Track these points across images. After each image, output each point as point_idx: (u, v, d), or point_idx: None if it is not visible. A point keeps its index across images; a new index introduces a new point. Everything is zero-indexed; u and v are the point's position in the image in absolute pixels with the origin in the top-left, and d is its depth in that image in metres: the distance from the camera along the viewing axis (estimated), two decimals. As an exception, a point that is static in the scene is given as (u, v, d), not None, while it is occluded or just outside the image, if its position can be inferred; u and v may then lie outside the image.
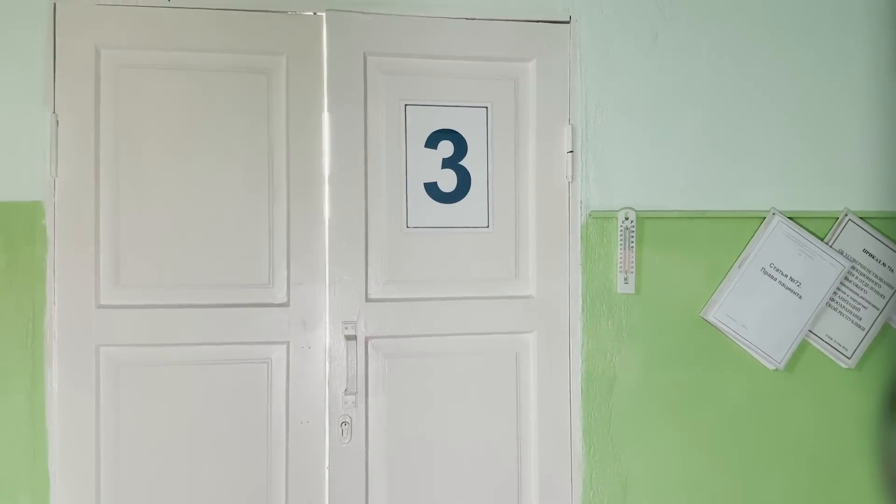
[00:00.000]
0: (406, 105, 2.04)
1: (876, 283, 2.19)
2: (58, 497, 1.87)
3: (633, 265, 2.10)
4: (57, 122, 1.88)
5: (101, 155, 1.92)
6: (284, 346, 1.98)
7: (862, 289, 2.19)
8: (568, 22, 2.10)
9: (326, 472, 1.99)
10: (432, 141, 2.05)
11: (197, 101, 1.95)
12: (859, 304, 2.19)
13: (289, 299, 1.98)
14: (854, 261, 2.18)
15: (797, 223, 2.16)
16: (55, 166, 1.88)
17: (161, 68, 1.94)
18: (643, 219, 2.11)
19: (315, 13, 1.99)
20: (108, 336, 1.91)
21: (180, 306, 1.94)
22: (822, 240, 2.17)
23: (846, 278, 2.18)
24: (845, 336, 2.18)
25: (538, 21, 2.09)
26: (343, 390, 1.98)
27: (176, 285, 1.94)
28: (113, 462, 1.91)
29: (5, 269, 1.86)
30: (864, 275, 2.19)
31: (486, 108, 2.08)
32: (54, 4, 1.88)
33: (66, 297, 1.89)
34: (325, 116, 1.99)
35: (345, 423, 1.99)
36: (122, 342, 1.91)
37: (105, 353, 1.91)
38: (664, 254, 2.13)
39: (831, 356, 2.19)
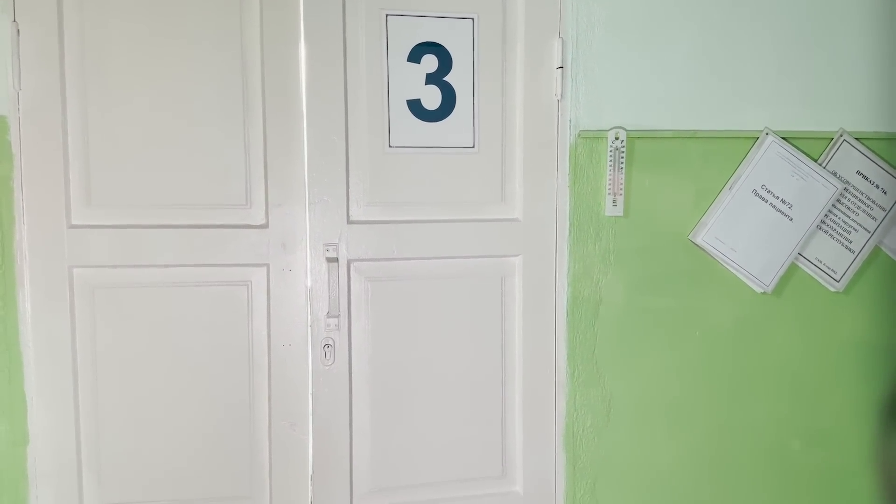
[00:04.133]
0: (387, 15, 1.93)
1: (868, 206, 2.15)
2: (36, 419, 1.85)
3: (622, 187, 2.05)
4: (18, 31, 1.77)
5: (66, 67, 1.81)
6: (264, 269, 1.94)
7: (854, 211, 2.15)
8: (559, -72, 1.99)
9: (310, 394, 1.97)
10: (415, 55, 1.96)
11: (166, 9, 1.84)
12: (850, 226, 2.15)
13: (267, 221, 1.92)
14: (847, 182, 2.14)
15: (791, 144, 2.10)
16: (18, 78, 1.78)
17: (126, -26, 1.83)
18: (633, 139, 2.05)
19: (290, -85, 1.87)
20: (80, 257, 1.85)
21: (155, 227, 1.87)
22: (815, 161, 2.12)
23: (838, 200, 2.14)
24: (835, 259, 2.15)
25: (527, -73, 1.97)
26: (325, 313, 1.94)
27: (150, 205, 1.88)
28: (91, 384, 1.88)
29: (-30, 187, 1.78)
30: (856, 197, 2.15)
31: (473, 19, 1.98)
32: None
33: (35, 216, 1.82)
34: (301, 27, 1.89)
35: (327, 345, 1.96)
36: (96, 263, 1.86)
37: (78, 275, 1.85)
38: (654, 175, 2.07)
39: (820, 279, 2.16)
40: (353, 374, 1.99)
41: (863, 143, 2.14)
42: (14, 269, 1.81)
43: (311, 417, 1.98)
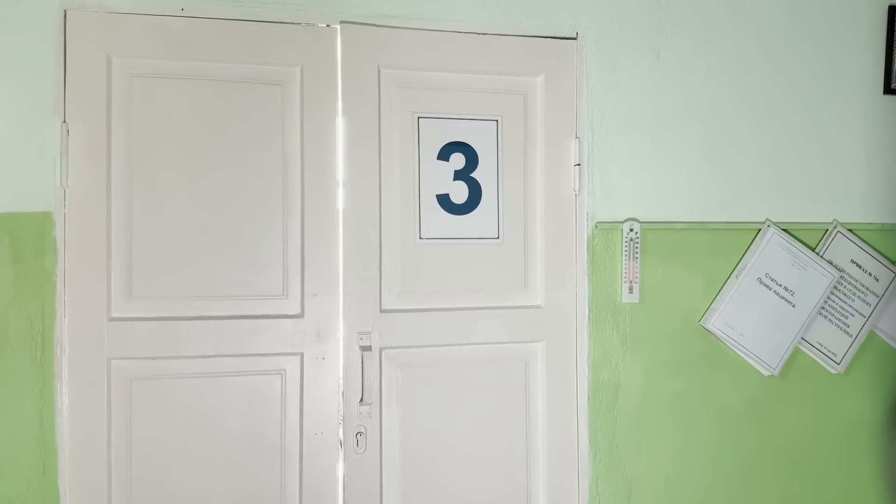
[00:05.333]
0: (419, 118, 2.06)
1: (863, 293, 2.30)
2: (68, 514, 1.84)
3: (638, 275, 2.17)
4: (67, 131, 1.85)
5: (112, 165, 1.89)
6: (298, 358, 1.98)
7: (850, 297, 2.29)
8: (575, 38, 2.15)
9: (341, 482, 1.99)
10: (444, 153, 2.08)
11: (211, 112, 1.94)
12: (847, 312, 2.29)
13: (303, 310, 1.98)
14: (842, 271, 2.29)
15: (790, 234, 2.26)
16: (65, 177, 1.84)
17: (174, 78, 1.92)
18: (647, 230, 2.18)
19: (329, 25, 2.00)
20: (119, 349, 1.88)
21: (193, 318, 1.92)
22: (813, 250, 2.27)
23: (835, 287, 2.28)
24: (835, 343, 2.29)
25: (546, 37, 2.14)
26: (358, 401, 1.99)
27: (189, 297, 1.92)
28: (125, 478, 1.88)
29: (14, 281, 1.81)
30: (851, 284, 2.30)
31: (497, 121, 2.11)
32: (65, 12, 1.85)
33: (76, 309, 1.85)
34: (339, 128, 2.00)
35: (360, 433, 2.00)
36: (134, 355, 1.89)
37: (116, 367, 1.88)
38: (666, 264, 2.20)
39: (822, 362, 2.29)
40: (383, 461, 2.02)
41: (855, 234, 2.31)
42: (53, 362, 1.83)
43: (341, 506, 2.00)
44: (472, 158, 2.10)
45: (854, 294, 2.30)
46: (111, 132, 1.89)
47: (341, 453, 2.00)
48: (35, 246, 1.83)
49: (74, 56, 1.86)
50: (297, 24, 1.98)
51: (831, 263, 2.27)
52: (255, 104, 1.96)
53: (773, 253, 2.23)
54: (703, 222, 2.22)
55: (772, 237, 2.23)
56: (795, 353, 2.27)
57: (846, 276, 2.29)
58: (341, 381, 2.00)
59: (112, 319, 1.88)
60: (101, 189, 1.87)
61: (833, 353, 2.29)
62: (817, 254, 2.27)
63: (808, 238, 2.29)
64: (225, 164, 1.95)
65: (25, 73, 1.83)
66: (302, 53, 1.98)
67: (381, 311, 2.02)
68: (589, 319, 2.15)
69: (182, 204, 1.92)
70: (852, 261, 2.30)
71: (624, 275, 2.16)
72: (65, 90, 1.85)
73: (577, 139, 2.15)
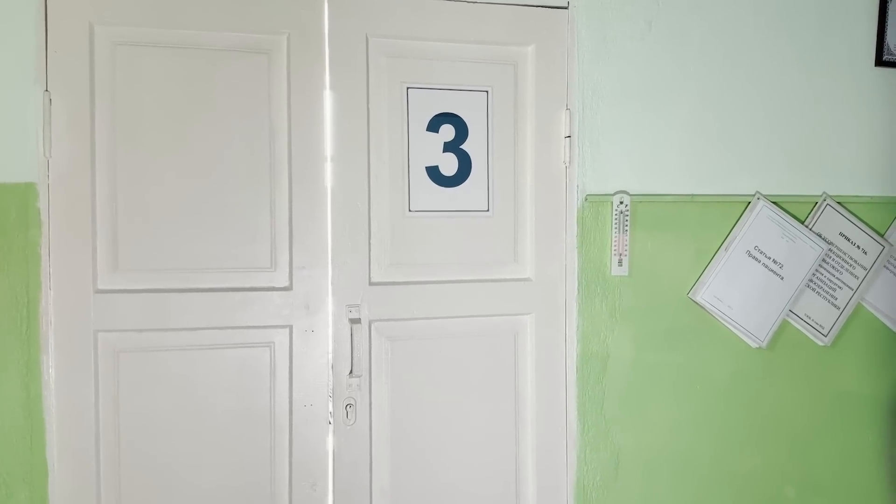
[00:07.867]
0: (408, 88, 2.03)
1: (851, 265, 2.31)
2: (57, 487, 1.83)
3: (627, 248, 2.16)
4: (50, 100, 1.81)
5: (96, 135, 1.86)
6: (287, 330, 1.97)
7: (838, 270, 2.30)
8: (566, 7, 2.12)
9: (330, 454, 2.00)
10: (434, 124, 2.06)
11: (196, 81, 1.91)
12: (835, 284, 2.30)
13: (291, 283, 1.97)
14: (831, 244, 2.29)
15: (780, 207, 2.25)
16: (49, 147, 1.81)
17: (158, 46, 1.88)
18: (636, 203, 2.17)
19: (316, -7, 1.96)
20: (106, 321, 1.86)
21: (181, 290, 1.91)
22: (802, 223, 2.27)
23: (824, 260, 2.29)
24: (822, 315, 2.30)
25: (537, 6, 2.11)
26: (347, 373, 1.99)
27: (176, 269, 1.91)
28: (113, 450, 1.88)
29: (-3, 253, 1.79)
30: (840, 257, 2.30)
31: (487, 92, 2.09)
32: (45, -23, 1.81)
33: (62, 282, 1.83)
34: (327, 98, 1.97)
35: (349, 405, 2.00)
36: (121, 328, 1.87)
37: (103, 339, 1.87)
38: (656, 237, 2.20)
39: (809, 335, 2.30)
40: (373, 433, 2.03)
41: (844, 207, 2.31)
42: (39, 334, 1.82)
43: (331, 478, 2.00)
44: (461, 130, 2.08)
45: (842, 267, 2.31)
46: (94, 101, 1.85)
47: (331, 425, 2.00)
48: (19, 217, 1.80)
49: (56, 23, 1.82)
50: (284, -9, 1.94)
51: (820, 236, 2.27)
52: (241, 73, 1.93)
53: (762, 225, 2.23)
54: (692, 195, 2.21)
55: (761, 210, 2.23)
56: (783, 326, 2.28)
57: (834, 249, 2.30)
58: (330, 353, 1.99)
59: (98, 291, 1.86)
60: (85, 159, 1.84)
61: (820, 326, 2.30)
62: (806, 226, 2.27)
63: (797, 211, 2.29)
64: (211, 135, 1.92)
65: (5, 41, 1.78)
66: (288, 21, 1.94)
67: (370, 283, 2.02)
68: (578, 292, 2.15)
69: (168, 174, 1.90)
70: (841, 233, 2.30)
71: (613, 247, 2.16)
72: (46, 58, 1.81)
73: (567, 110, 2.13)
